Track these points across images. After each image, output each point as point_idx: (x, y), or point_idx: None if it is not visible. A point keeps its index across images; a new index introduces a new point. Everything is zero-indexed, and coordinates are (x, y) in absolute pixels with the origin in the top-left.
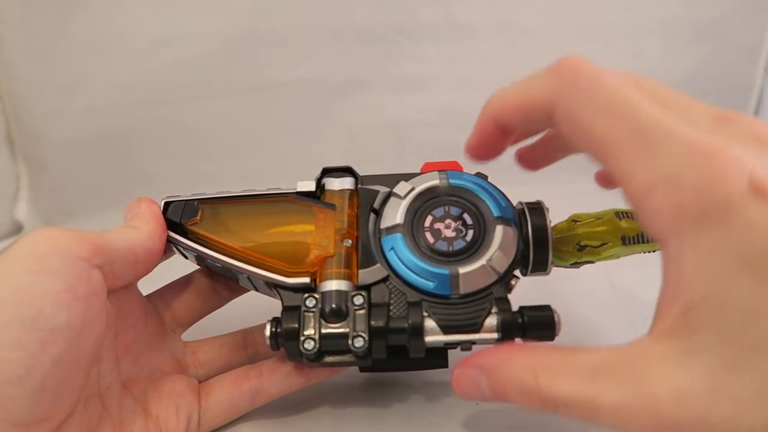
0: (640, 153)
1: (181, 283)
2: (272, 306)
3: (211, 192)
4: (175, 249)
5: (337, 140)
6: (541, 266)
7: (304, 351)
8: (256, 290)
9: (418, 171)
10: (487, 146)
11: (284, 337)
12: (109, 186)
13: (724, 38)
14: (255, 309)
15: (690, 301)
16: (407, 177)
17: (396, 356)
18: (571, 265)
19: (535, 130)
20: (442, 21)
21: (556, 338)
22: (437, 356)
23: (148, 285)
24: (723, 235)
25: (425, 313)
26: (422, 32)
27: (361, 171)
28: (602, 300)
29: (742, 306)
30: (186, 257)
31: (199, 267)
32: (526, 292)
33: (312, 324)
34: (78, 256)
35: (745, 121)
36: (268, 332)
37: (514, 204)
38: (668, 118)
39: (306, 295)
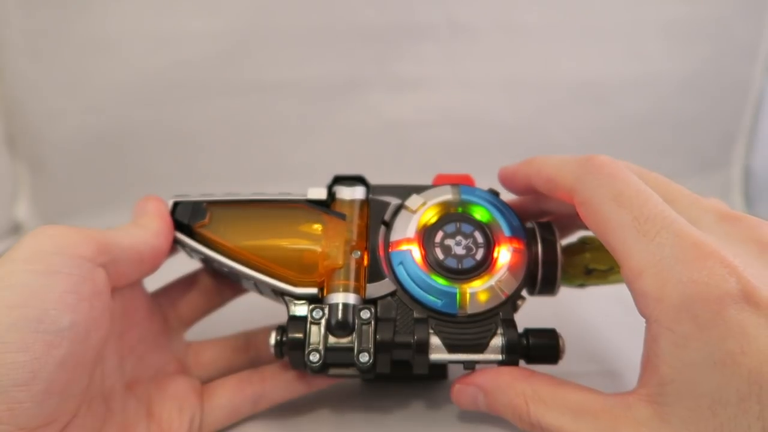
0: (636, 237)
1: (186, 282)
2: (274, 307)
3: (219, 193)
4: (181, 249)
5: (337, 140)
6: (548, 288)
7: (309, 363)
8: (261, 294)
9: (419, 172)
10: (516, 186)
11: (289, 347)
12: (109, 186)
13: (724, 38)
14: (256, 309)
15: (665, 378)
16: (419, 189)
17: (398, 368)
18: (578, 285)
19: (558, 199)
20: (442, 21)
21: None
22: (437, 369)
23: (152, 282)
24: (700, 331)
25: (431, 331)
26: (422, 32)
27: (360, 171)
28: (606, 304)
29: (710, 394)
30: (192, 257)
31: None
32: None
33: (317, 336)
34: (82, 256)
35: (749, 223)
36: (272, 340)
37: (525, 223)
38: (669, 211)
39: (312, 305)
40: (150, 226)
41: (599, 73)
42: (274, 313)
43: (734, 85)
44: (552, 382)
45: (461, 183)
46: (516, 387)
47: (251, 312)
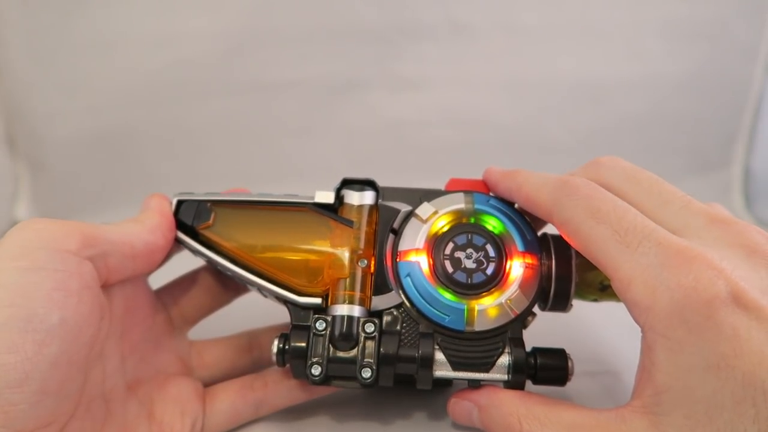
0: (620, 249)
1: (190, 279)
2: (278, 306)
3: (224, 192)
4: (185, 247)
5: (337, 140)
6: (561, 305)
7: (310, 375)
8: (265, 297)
9: (419, 172)
10: (498, 194)
11: (291, 355)
12: (109, 186)
13: (723, 38)
14: (260, 308)
15: (661, 386)
16: (430, 195)
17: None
18: (592, 300)
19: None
20: (442, 21)
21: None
22: (441, 380)
23: (159, 279)
24: (692, 335)
25: (436, 346)
26: (422, 32)
27: (361, 171)
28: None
29: (706, 399)
30: (196, 256)
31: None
32: None
33: (320, 347)
34: (66, 250)
35: (737, 228)
36: (275, 348)
37: (539, 233)
38: (648, 222)
39: (316, 316)
40: (146, 222)
41: (599, 73)
42: (277, 312)
43: (734, 85)
44: (546, 401)
45: (475, 189)
46: (510, 406)
47: (255, 310)
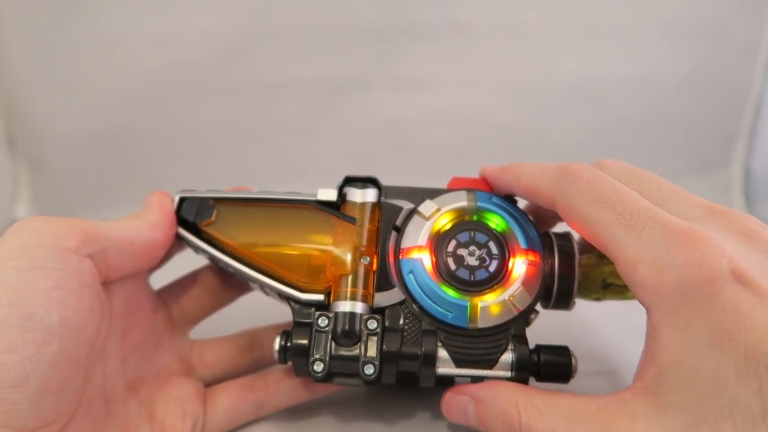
0: (625, 232)
1: (191, 278)
2: (280, 305)
3: (227, 190)
4: (187, 245)
5: (337, 140)
6: (563, 303)
7: (312, 372)
8: (267, 295)
9: (419, 172)
10: (497, 190)
11: (293, 353)
12: (109, 186)
13: (723, 38)
14: (262, 307)
15: (664, 365)
16: (433, 193)
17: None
18: (594, 299)
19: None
20: (442, 21)
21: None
22: (444, 378)
23: (161, 278)
24: (697, 311)
25: (439, 343)
26: (422, 32)
27: (361, 171)
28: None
29: (710, 376)
30: (198, 254)
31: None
32: None
33: (323, 344)
34: (66, 248)
35: (736, 216)
36: (277, 346)
37: (542, 232)
38: (650, 205)
39: (318, 312)
40: (147, 219)
41: (599, 73)
42: (279, 311)
43: (734, 85)
44: (546, 392)
45: (477, 188)
46: (508, 396)
47: (256, 310)
